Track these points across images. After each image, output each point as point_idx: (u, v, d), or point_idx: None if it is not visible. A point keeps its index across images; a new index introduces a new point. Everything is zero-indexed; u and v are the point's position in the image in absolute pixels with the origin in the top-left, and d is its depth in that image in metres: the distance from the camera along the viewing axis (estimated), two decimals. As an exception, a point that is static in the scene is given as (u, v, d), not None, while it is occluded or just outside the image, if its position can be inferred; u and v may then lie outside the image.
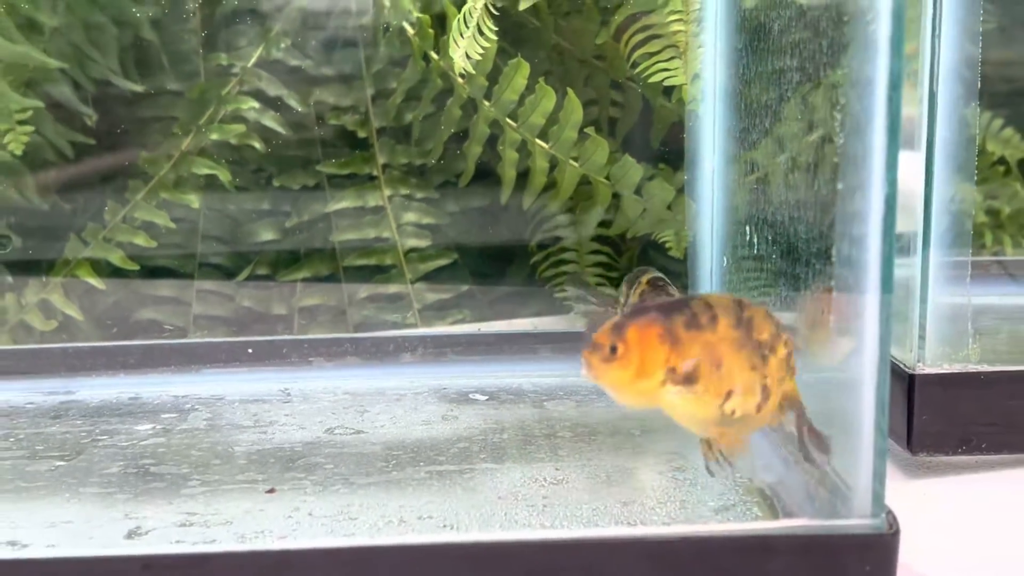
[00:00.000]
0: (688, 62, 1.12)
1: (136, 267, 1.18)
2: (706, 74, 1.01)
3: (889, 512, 0.62)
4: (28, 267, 1.21)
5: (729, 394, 0.65)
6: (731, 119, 0.94)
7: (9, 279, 1.20)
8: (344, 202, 1.34)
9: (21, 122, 1.13)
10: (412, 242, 1.35)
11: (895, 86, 0.57)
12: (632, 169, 1.16)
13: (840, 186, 0.60)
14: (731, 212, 0.94)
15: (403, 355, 1.04)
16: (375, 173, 1.37)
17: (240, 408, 0.95)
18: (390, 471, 0.81)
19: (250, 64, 1.31)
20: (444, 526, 0.70)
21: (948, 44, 0.85)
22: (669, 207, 1.18)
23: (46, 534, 0.71)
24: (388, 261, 1.36)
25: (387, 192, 1.36)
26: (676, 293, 0.91)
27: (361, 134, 1.37)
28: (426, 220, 1.35)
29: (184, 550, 0.60)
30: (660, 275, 0.95)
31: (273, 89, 1.33)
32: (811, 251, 0.69)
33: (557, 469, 0.80)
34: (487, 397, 0.97)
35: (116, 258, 1.17)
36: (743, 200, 0.89)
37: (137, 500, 0.76)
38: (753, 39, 0.85)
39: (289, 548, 0.61)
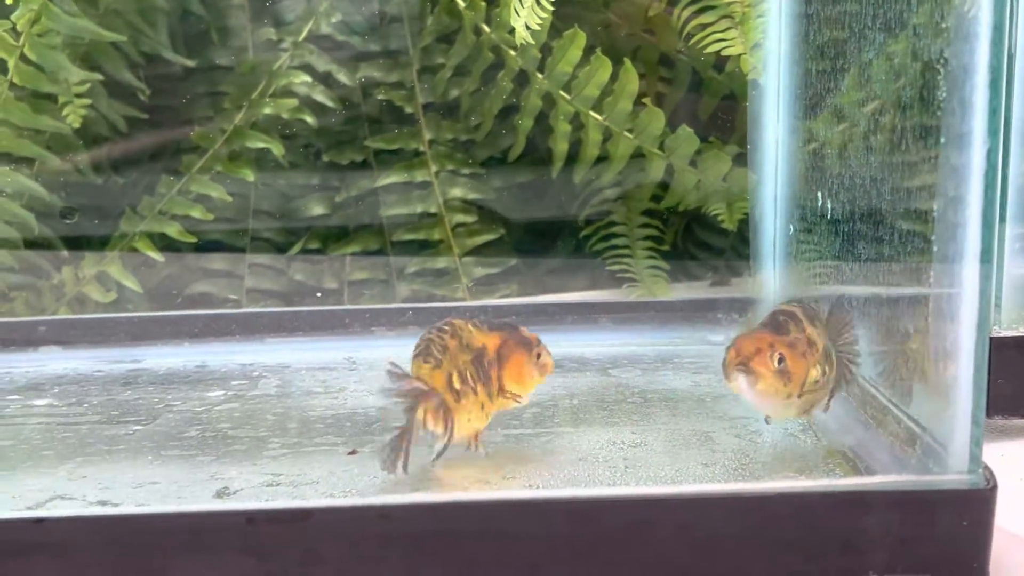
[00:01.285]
0: (746, 32, 1.12)
1: (194, 239, 1.19)
2: (769, 43, 1.01)
3: (986, 468, 0.62)
4: (85, 241, 1.22)
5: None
6: (798, 87, 0.93)
7: (65, 253, 1.21)
8: (391, 177, 1.34)
9: (79, 95, 1.14)
10: (459, 217, 1.36)
11: (997, 40, 0.57)
12: (688, 140, 1.16)
13: (942, 141, 0.60)
14: (797, 180, 0.94)
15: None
16: (422, 148, 1.38)
17: (308, 375, 0.96)
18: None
19: (300, 39, 1.31)
20: (528, 486, 0.71)
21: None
22: (724, 179, 1.18)
23: (135, 494, 0.71)
24: (436, 236, 1.36)
25: (434, 167, 1.36)
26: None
27: (408, 109, 1.37)
28: (472, 196, 1.36)
29: (286, 504, 0.61)
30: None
31: (322, 64, 1.33)
32: (899, 213, 0.69)
33: (634, 433, 0.80)
34: (552, 365, 0.98)
35: (173, 231, 1.18)
36: (814, 167, 0.89)
37: (220, 462, 0.77)
38: (824, 3, 0.85)
39: (387, 503, 0.61)
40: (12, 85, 1.08)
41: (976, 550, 0.62)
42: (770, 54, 1.01)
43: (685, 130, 1.16)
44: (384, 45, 1.38)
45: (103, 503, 0.70)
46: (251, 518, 0.60)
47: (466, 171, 1.35)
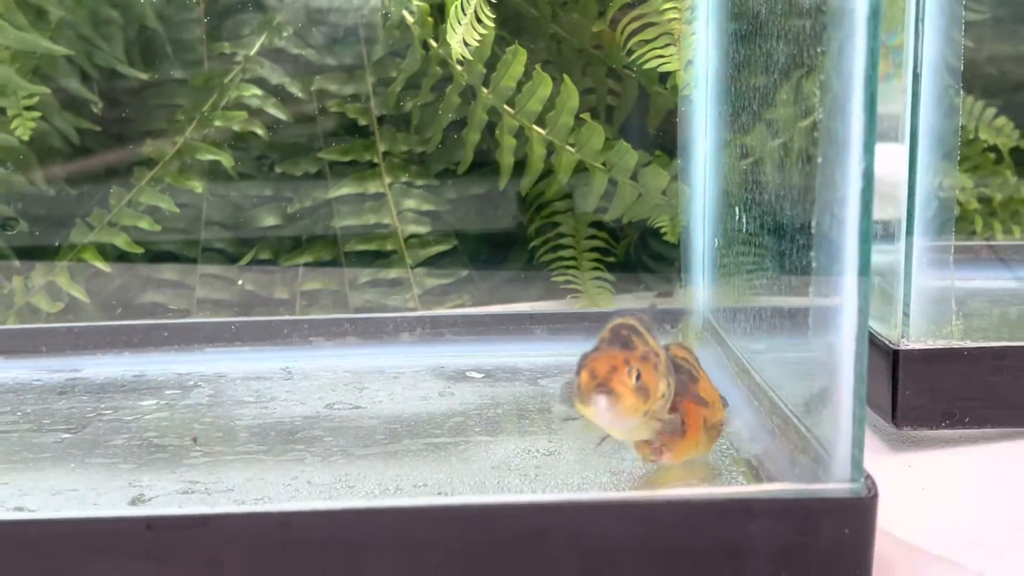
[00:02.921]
0: (682, 49, 1.14)
1: (141, 250, 1.20)
2: (699, 60, 1.03)
3: (868, 477, 0.64)
4: (35, 251, 1.24)
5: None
6: (723, 104, 0.95)
7: (16, 263, 1.23)
8: (345, 188, 1.36)
9: (28, 108, 1.15)
10: (412, 228, 1.38)
11: (871, 65, 0.59)
12: (627, 155, 1.18)
13: (820, 161, 0.62)
14: (723, 196, 0.96)
15: (402, 335, 1.06)
16: (376, 160, 1.40)
17: (242, 385, 0.97)
18: (388, 444, 0.83)
19: (252, 52, 1.33)
20: (439, 493, 0.72)
21: (933, 34, 0.87)
22: (664, 192, 1.20)
23: (52, 500, 0.73)
24: (389, 247, 1.38)
25: (387, 179, 1.38)
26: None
27: (362, 122, 1.39)
28: (426, 207, 1.37)
29: (185, 511, 0.62)
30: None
31: (275, 77, 1.35)
32: (795, 227, 0.71)
33: (550, 442, 0.82)
34: (483, 375, 0.99)
35: (121, 242, 1.20)
36: (731, 182, 0.91)
37: (140, 470, 0.78)
38: (742, 25, 0.87)
39: (287, 510, 0.63)
40: (-41, 98, 1.11)
41: (858, 558, 0.64)
42: (700, 71, 1.04)
43: (623, 144, 1.18)
44: (339, 58, 1.40)
45: (19, 508, 0.71)
46: (151, 523, 0.61)
47: (420, 183, 1.37)
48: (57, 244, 1.21)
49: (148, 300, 1.28)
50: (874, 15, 0.59)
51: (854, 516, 0.63)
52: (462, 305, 1.35)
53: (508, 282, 1.40)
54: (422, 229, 1.37)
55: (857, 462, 0.64)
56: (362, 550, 0.63)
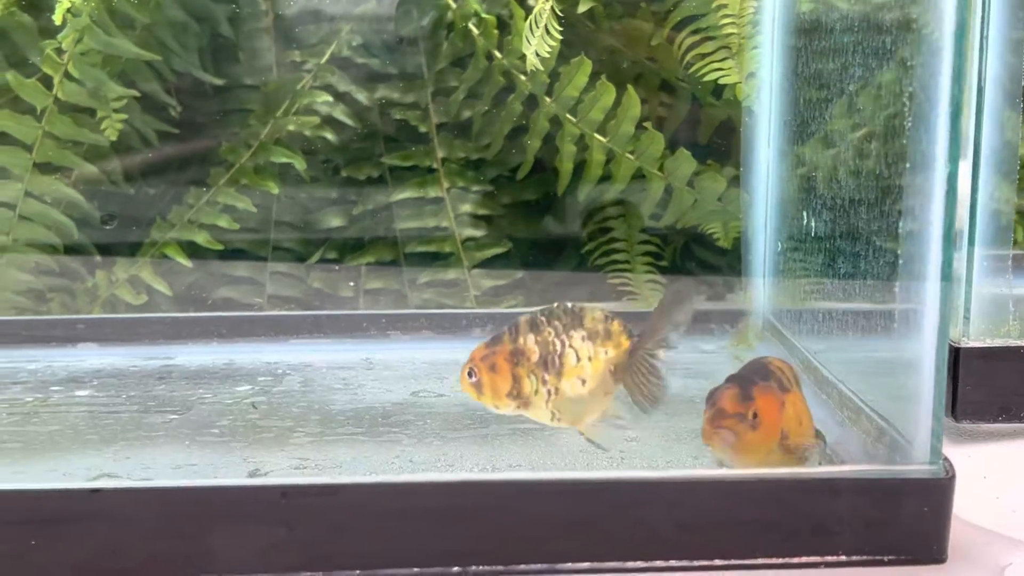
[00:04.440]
0: (741, 62, 1.20)
1: (221, 247, 1.26)
2: (762, 72, 1.08)
3: (946, 460, 0.69)
4: (117, 247, 1.30)
5: (807, 447, 0.74)
6: (788, 114, 1.01)
7: (98, 258, 1.28)
8: (406, 193, 1.42)
9: (116, 110, 1.21)
10: (469, 231, 1.43)
11: (957, 76, 0.65)
12: (686, 162, 1.24)
13: (906, 167, 0.67)
14: (788, 201, 1.01)
15: (473, 330, 1.12)
16: (435, 166, 1.46)
17: (329, 373, 1.03)
18: (477, 428, 0.88)
19: (324, 60, 1.39)
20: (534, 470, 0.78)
21: (993, 56, 0.92)
22: (719, 199, 1.26)
23: (175, 474, 0.78)
24: (447, 249, 1.44)
25: (446, 184, 1.44)
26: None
27: (422, 129, 1.45)
28: (482, 211, 1.43)
29: (317, 480, 0.67)
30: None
31: (343, 85, 1.41)
32: (873, 233, 0.76)
33: (630, 429, 0.87)
34: (555, 368, 1.05)
35: (202, 239, 1.25)
36: (802, 189, 0.96)
37: (250, 448, 0.84)
38: (811, 39, 0.93)
39: (408, 480, 0.68)
40: (56, 100, 1.16)
41: (936, 534, 0.69)
42: (763, 82, 1.09)
43: (683, 152, 1.24)
44: (401, 68, 1.46)
45: (147, 480, 0.77)
46: (285, 492, 0.67)
47: (476, 188, 1.43)
48: (139, 240, 1.27)
49: (222, 296, 1.34)
50: (960, 31, 0.64)
51: (933, 495, 0.68)
52: (516, 306, 1.41)
53: (560, 284, 1.45)
54: (478, 232, 1.42)
55: (935, 447, 0.69)
56: (475, 519, 0.68)
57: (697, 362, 1.06)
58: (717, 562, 0.68)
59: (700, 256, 1.46)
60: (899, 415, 0.72)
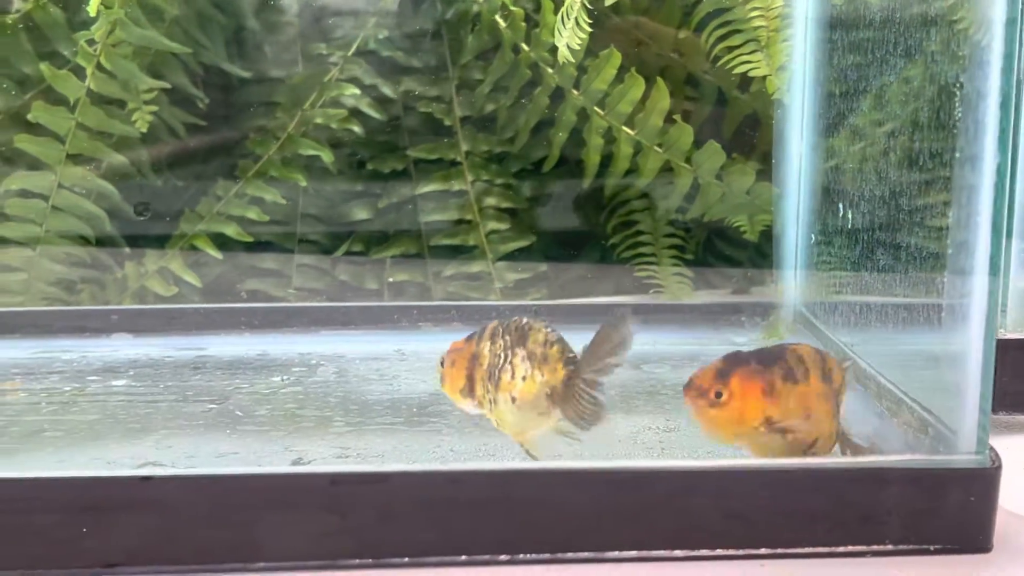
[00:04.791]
0: (772, 55, 1.20)
1: (250, 239, 1.26)
2: (794, 65, 1.08)
3: (992, 449, 0.69)
4: (146, 239, 1.30)
5: (814, 442, 0.72)
6: (821, 106, 1.01)
7: (127, 249, 1.29)
8: (431, 186, 1.42)
9: (146, 102, 1.22)
10: (493, 224, 1.43)
11: (1007, 68, 0.65)
12: (715, 155, 1.24)
13: (955, 158, 0.68)
14: (819, 194, 1.02)
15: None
16: (459, 159, 1.46)
17: (362, 364, 1.03)
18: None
19: (350, 53, 1.39)
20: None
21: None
22: (747, 192, 1.26)
23: (219, 462, 0.79)
24: (471, 242, 1.44)
25: (469, 177, 1.44)
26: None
27: (446, 122, 1.45)
28: (505, 204, 1.43)
29: (367, 468, 0.68)
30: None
31: (368, 78, 1.41)
32: (916, 227, 0.76)
33: (668, 420, 0.88)
34: (587, 360, 1.05)
35: (231, 231, 1.26)
36: (836, 181, 0.96)
37: (291, 437, 0.84)
38: (847, 31, 0.93)
39: (457, 469, 0.68)
40: (89, 91, 1.17)
41: (982, 523, 0.69)
42: (795, 76, 1.09)
43: (713, 145, 1.24)
44: (425, 61, 1.46)
45: (197, 468, 0.77)
46: (335, 479, 0.67)
47: (500, 181, 1.43)
48: (167, 232, 1.27)
49: (249, 288, 1.34)
50: (1011, 22, 0.64)
51: (979, 484, 0.68)
52: (540, 299, 1.41)
53: (584, 277, 1.46)
54: (502, 225, 1.43)
55: (982, 437, 0.69)
56: (524, 508, 0.68)
57: (729, 354, 1.07)
58: (763, 551, 0.69)
59: (726, 249, 1.46)
60: (943, 406, 0.72)
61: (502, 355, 0.74)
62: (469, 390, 0.76)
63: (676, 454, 0.80)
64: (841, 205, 0.94)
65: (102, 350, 1.07)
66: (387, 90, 1.41)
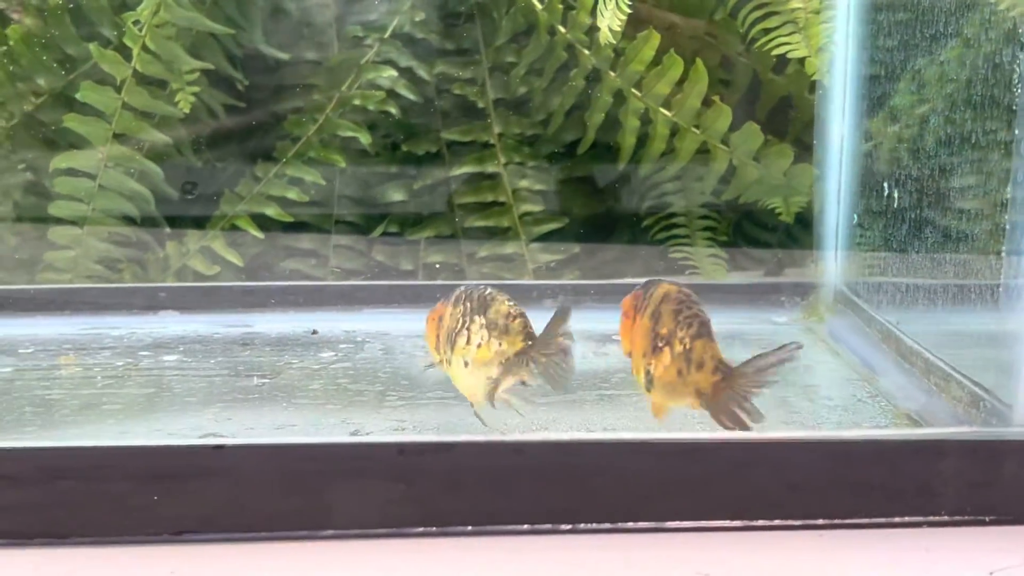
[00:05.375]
0: (810, 36, 1.20)
1: (291, 219, 1.28)
2: (836, 46, 1.09)
3: (1047, 423, 0.70)
4: (186, 219, 1.31)
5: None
6: (864, 87, 1.02)
7: (167, 229, 1.30)
8: (464, 168, 1.43)
9: (189, 83, 1.23)
10: (526, 207, 1.44)
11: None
12: (753, 136, 1.24)
13: (1014, 134, 0.68)
14: (863, 173, 1.02)
15: (545, 300, 1.13)
16: (492, 141, 1.47)
17: (408, 341, 1.05)
18: (564, 394, 0.90)
19: (387, 35, 1.40)
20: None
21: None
22: (784, 174, 1.26)
23: (278, 434, 0.80)
24: (504, 223, 1.45)
25: (502, 159, 1.45)
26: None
27: (480, 104, 1.46)
28: (538, 186, 1.44)
29: (433, 438, 0.69)
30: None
31: (404, 60, 1.42)
32: (967, 201, 0.77)
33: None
34: (630, 339, 1.06)
35: (272, 211, 1.27)
36: (880, 161, 0.97)
37: (346, 410, 0.86)
38: (894, 10, 0.93)
39: (521, 439, 0.70)
40: (134, 71, 1.18)
41: (1037, 495, 0.70)
42: (836, 57, 1.10)
43: (751, 126, 1.25)
44: (458, 43, 1.47)
45: (268, 437, 0.79)
46: (402, 449, 0.68)
47: (532, 163, 1.44)
48: (207, 212, 1.29)
49: (288, 267, 1.36)
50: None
51: (1035, 457, 0.69)
52: (573, 280, 1.42)
53: (617, 259, 1.47)
54: (535, 207, 1.43)
55: (1037, 410, 0.70)
56: (585, 478, 0.69)
57: (771, 333, 1.08)
58: (820, 521, 0.70)
59: (760, 231, 1.47)
60: (997, 382, 0.73)
61: (460, 320, 0.79)
62: (436, 348, 0.81)
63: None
64: (887, 185, 0.94)
65: (150, 326, 1.08)
66: (422, 72, 1.42)
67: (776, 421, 0.83)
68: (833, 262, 1.09)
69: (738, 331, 1.08)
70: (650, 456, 0.70)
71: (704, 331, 0.75)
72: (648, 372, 0.76)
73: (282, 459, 0.69)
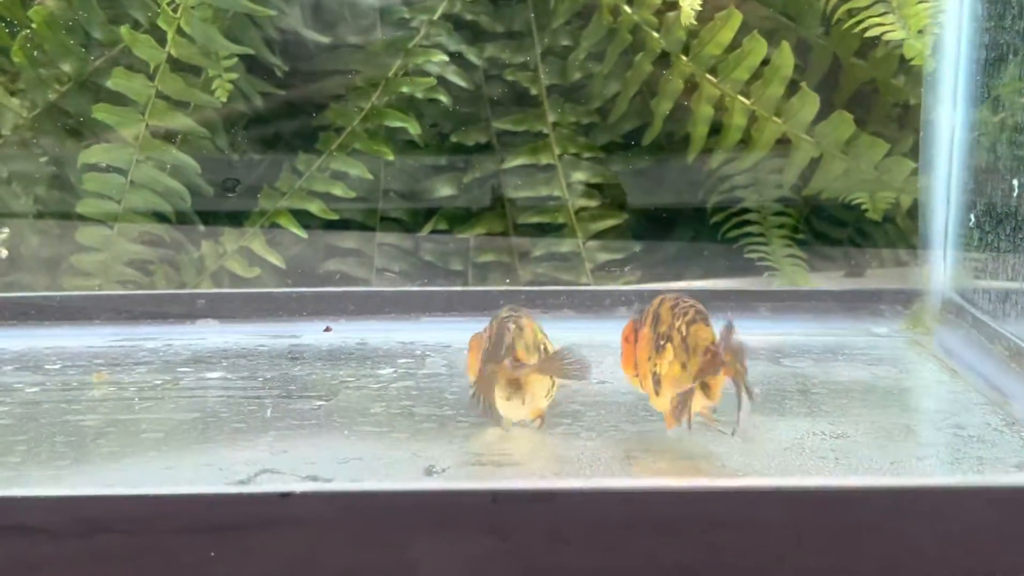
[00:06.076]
0: (907, 17, 1.09)
1: (335, 216, 1.18)
2: (946, 30, 0.98)
3: None
4: (222, 216, 1.22)
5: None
6: (983, 72, 0.91)
7: (201, 227, 1.21)
8: (518, 160, 1.33)
9: (226, 69, 1.13)
10: (582, 201, 1.34)
11: None
12: (842, 126, 1.13)
13: None
14: (981, 168, 0.92)
15: (618, 308, 1.03)
16: (545, 131, 1.36)
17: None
18: (652, 419, 0.80)
19: (436, 17, 1.30)
20: (742, 474, 0.69)
21: None
22: (876, 167, 1.16)
23: (343, 470, 0.70)
24: (560, 220, 1.35)
25: (557, 150, 1.35)
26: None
27: (533, 91, 1.36)
28: (595, 179, 1.34)
29: (531, 485, 0.60)
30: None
31: (452, 44, 1.32)
32: None
33: (831, 424, 0.78)
34: (718, 352, 0.96)
35: (316, 208, 1.17)
36: (1007, 155, 0.86)
37: (416, 440, 0.76)
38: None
39: (632, 487, 0.60)
40: (169, 57, 1.08)
41: None
42: (944, 39, 0.99)
43: (842, 115, 1.14)
44: (508, 26, 1.36)
45: (314, 478, 0.69)
46: (496, 497, 0.59)
47: (589, 155, 1.34)
48: (246, 209, 1.19)
49: (330, 269, 1.26)
50: None
51: None
52: (634, 281, 1.32)
53: (681, 258, 1.36)
54: (592, 202, 1.33)
55: None
56: (707, 530, 0.60)
57: (872, 347, 0.97)
58: (983, 582, 0.60)
59: (844, 230, 1.36)
60: None
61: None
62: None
63: (853, 465, 0.71)
64: (1017, 181, 0.84)
65: (188, 337, 0.99)
66: (472, 56, 1.32)
67: (908, 457, 0.72)
68: (941, 266, 0.98)
69: (836, 344, 0.98)
70: (785, 505, 0.60)
71: (699, 317, 0.72)
72: (655, 375, 0.73)
73: (358, 508, 0.59)
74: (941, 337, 0.96)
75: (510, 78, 1.34)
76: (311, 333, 1.00)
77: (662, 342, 0.72)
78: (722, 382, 0.69)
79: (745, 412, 0.66)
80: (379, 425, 0.79)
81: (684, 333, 0.71)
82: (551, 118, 1.34)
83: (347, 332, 1.00)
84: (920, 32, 1.06)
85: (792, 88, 1.23)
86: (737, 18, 1.14)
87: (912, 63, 1.06)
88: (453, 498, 0.59)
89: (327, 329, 0.96)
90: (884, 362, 0.93)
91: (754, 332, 1.01)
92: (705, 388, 0.69)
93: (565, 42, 1.34)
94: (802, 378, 0.89)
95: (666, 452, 0.74)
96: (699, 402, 0.69)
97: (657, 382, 0.73)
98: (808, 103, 1.15)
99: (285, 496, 0.59)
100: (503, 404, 0.73)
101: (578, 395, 0.85)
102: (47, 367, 0.92)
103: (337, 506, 0.59)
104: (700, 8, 1.10)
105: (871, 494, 0.60)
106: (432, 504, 0.59)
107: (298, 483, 0.67)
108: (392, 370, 0.91)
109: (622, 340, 0.78)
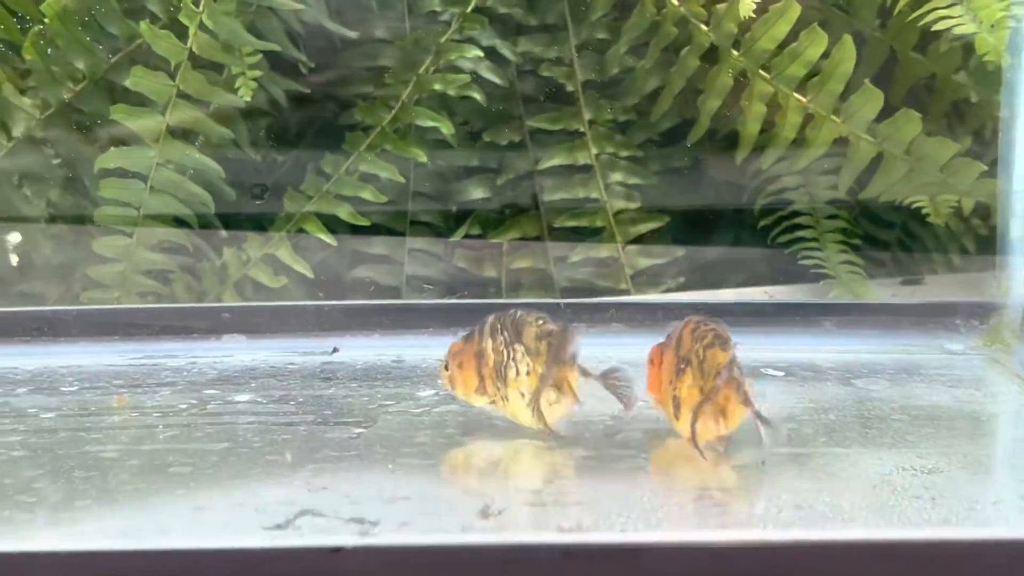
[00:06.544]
0: (976, 9, 1.02)
1: (366, 222, 1.11)
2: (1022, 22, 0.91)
3: None
4: (245, 222, 1.15)
5: None
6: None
7: (223, 233, 1.14)
8: (553, 160, 1.26)
9: (251, 67, 1.06)
10: (621, 203, 1.27)
11: None
12: (909, 125, 1.06)
13: None
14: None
15: (671, 323, 0.96)
16: (582, 129, 1.29)
17: (519, 376, 0.88)
18: (726, 451, 0.73)
19: (469, 10, 1.23)
20: (835, 518, 0.62)
21: None
22: (941, 169, 1.08)
23: (391, 511, 0.64)
24: (597, 223, 1.28)
25: (594, 150, 1.28)
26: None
27: (569, 87, 1.29)
28: (634, 180, 1.27)
29: (612, 539, 0.53)
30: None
31: (485, 39, 1.25)
32: None
33: (920, 457, 0.72)
34: (783, 372, 0.89)
35: (344, 212, 1.10)
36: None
37: (467, 474, 0.70)
38: None
39: (723, 541, 0.53)
40: (190, 54, 1.01)
41: None
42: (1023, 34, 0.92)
43: (909, 114, 1.06)
44: (542, 19, 1.29)
45: (359, 520, 0.62)
46: (569, 551, 0.52)
47: (626, 154, 1.27)
48: (271, 214, 1.12)
49: (358, 276, 1.19)
50: None
51: None
52: (675, 289, 1.25)
53: (726, 264, 1.29)
54: (632, 204, 1.26)
55: None
56: (807, 589, 0.53)
57: (948, 366, 0.90)
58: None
59: (897, 234, 1.29)
60: None
61: (504, 352, 0.75)
62: (482, 389, 0.76)
63: (954, 507, 0.64)
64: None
65: (214, 354, 0.92)
66: (505, 51, 1.25)
67: (1011, 494, 0.66)
68: (1022, 276, 0.91)
69: (910, 363, 0.91)
70: (896, 562, 0.53)
71: (717, 341, 0.72)
72: (675, 399, 0.72)
73: (416, 564, 0.53)
74: (1022, 355, 0.89)
75: (545, 74, 1.27)
76: (344, 349, 0.93)
77: (682, 366, 0.72)
78: (739, 410, 0.68)
79: (768, 440, 0.66)
80: (425, 456, 0.72)
81: (701, 357, 0.71)
82: (587, 115, 1.27)
83: (382, 348, 0.94)
84: (993, 26, 0.98)
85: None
86: (795, 11, 1.07)
87: (985, 59, 0.99)
88: (519, 553, 0.53)
89: (335, 350, 0.90)
90: (964, 383, 0.86)
91: (819, 349, 0.95)
92: (721, 415, 0.69)
93: (602, 35, 1.27)
94: (879, 402, 0.82)
95: (741, 490, 0.67)
96: (712, 430, 0.69)
97: (677, 406, 0.72)
98: (871, 101, 1.07)
99: (336, 551, 0.52)
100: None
101: (635, 421, 0.79)
102: (63, 389, 0.86)
103: (391, 562, 0.52)
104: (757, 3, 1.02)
105: (991, 548, 0.54)
106: (495, 559, 0.53)
107: (343, 527, 0.61)
108: (433, 392, 0.85)
109: (647, 363, 0.78)
